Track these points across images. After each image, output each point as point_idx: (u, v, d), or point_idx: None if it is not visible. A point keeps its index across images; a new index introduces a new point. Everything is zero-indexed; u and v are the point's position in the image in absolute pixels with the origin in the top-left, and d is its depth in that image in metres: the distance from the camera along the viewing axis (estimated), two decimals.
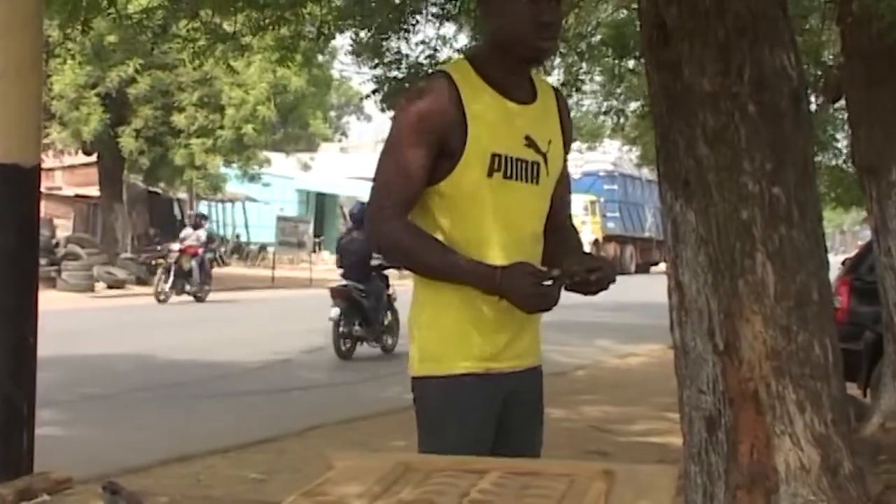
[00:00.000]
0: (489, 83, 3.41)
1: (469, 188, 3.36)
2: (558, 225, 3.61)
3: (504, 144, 3.38)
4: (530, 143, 3.43)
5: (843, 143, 16.05)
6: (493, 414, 3.39)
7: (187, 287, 27.67)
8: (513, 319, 3.36)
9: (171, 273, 27.35)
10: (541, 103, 3.51)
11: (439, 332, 3.37)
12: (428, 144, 3.33)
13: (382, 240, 3.41)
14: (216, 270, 31.56)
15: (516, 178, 3.40)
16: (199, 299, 27.67)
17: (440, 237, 3.39)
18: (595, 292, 3.35)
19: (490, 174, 3.36)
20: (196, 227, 29.12)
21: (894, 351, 8.89)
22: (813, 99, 11.97)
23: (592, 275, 3.31)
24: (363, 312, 17.43)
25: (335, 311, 16.88)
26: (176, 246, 28.03)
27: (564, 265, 3.32)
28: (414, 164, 3.35)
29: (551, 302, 3.31)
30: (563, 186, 3.65)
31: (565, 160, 3.64)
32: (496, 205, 3.38)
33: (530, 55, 3.44)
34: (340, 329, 16.96)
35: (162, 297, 26.79)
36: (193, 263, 27.81)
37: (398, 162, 3.37)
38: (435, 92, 3.38)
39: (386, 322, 18.14)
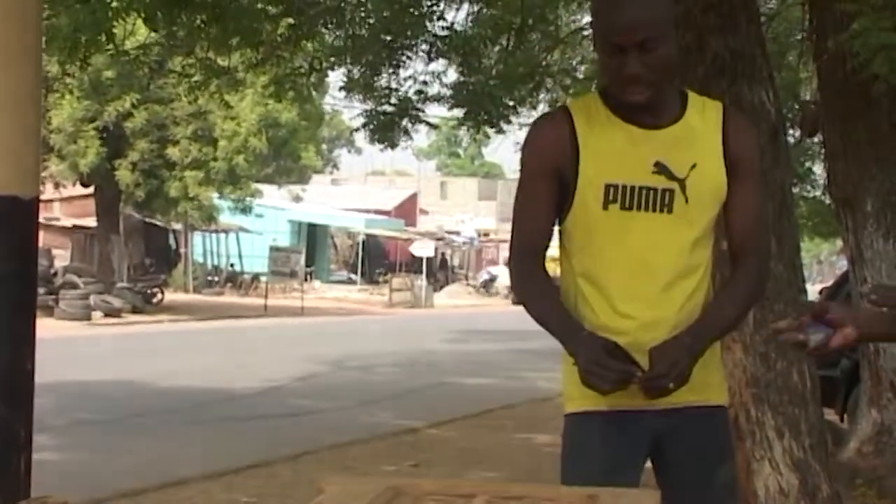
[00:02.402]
0: (615, 111, 3.21)
1: (585, 222, 3.21)
2: (734, 267, 3.34)
3: (622, 174, 3.18)
4: (661, 169, 3.17)
5: (820, 175, 16.11)
6: (625, 452, 3.20)
7: None
8: (628, 332, 3.16)
9: None
10: (684, 124, 3.22)
11: (569, 370, 3.20)
12: (549, 180, 3.23)
13: (514, 291, 3.36)
14: (209, 299, 31.50)
15: (638, 209, 3.18)
16: None
17: (572, 275, 3.27)
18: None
19: (605, 206, 3.17)
20: None
21: (870, 377, 8.90)
22: (791, 133, 12.01)
23: (648, 382, 3.06)
24: None
25: None
26: None
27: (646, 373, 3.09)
28: (538, 203, 3.26)
29: (605, 385, 3.04)
30: (738, 213, 3.29)
31: (740, 180, 3.26)
32: (616, 238, 3.19)
33: (625, 105, 3.19)
34: None
35: None
36: None
37: (524, 204, 3.30)
38: (549, 127, 3.28)
39: None
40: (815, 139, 13.18)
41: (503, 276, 45.19)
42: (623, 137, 3.19)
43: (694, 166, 3.17)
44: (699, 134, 3.22)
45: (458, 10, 11.44)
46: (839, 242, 14.44)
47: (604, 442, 3.15)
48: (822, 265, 70.98)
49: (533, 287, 3.26)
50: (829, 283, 18.00)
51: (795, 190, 13.79)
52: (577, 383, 3.10)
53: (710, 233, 3.29)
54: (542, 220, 3.26)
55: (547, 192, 3.23)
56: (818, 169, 16.23)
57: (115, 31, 8.60)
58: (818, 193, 17.19)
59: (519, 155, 3.38)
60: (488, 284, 52.11)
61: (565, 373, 3.25)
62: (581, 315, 3.21)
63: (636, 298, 3.19)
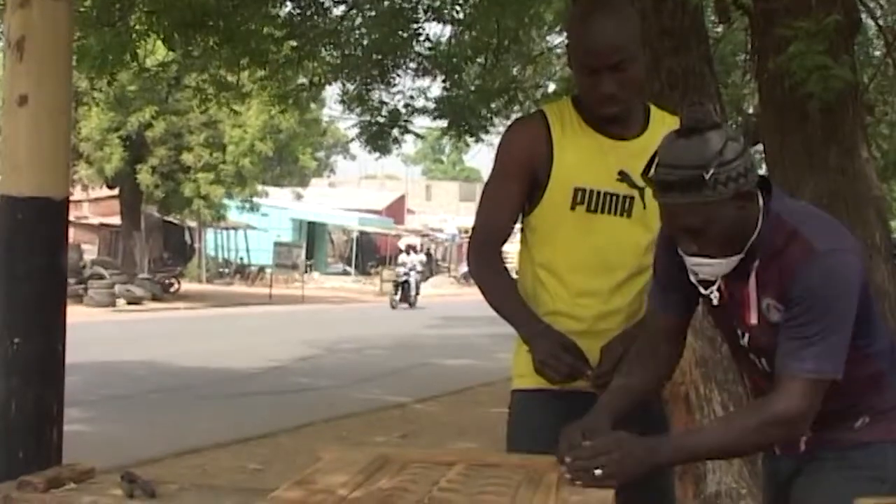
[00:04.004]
0: (586, 120, 3.18)
1: (553, 220, 3.17)
2: None
3: (590, 179, 3.14)
4: (624, 177, 3.15)
5: None
6: (561, 426, 2.95)
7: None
8: (586, 348, 3.08)
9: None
10: (647, 137, 3.14)
11: (521, 351, 3.18)
12: (519, 180, 3.18)
13: (472, 274, 3.27)
14: (220, 288, 31.69)
15: (602, 212, 3.15)
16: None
17: (531, 265, 3.23)
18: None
19: (573, 207, 3.14)
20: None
21: None
22: None
23: (598, 379, 3.00)
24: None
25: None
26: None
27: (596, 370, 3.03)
28: (505, 199, 3.20)
29: (557, 377, 2.99)
30: None
31: None
32: (579, 235, 3.15)
33: (596, 117, 3.16)
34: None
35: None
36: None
37: (492, 198, 3.23)
38: (527, 130, 3.24)
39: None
40: (757, 148, 13.19)
41: None
42: (593, 146, 3.16)
43: None
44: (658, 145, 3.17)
45: (441, 31, 11.45)
46: None
47: (549, 417, 3.02)
48: None
49: (492, 274, 3.19)
50: None
51: None
52: (528, 363, 3.07)
53: None
54: (506, 217, 3.21)
55: (517, 192, 3.19)
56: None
57: (137, 51, 8.59)
58: None
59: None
60: (468, 276, 51.98)
61: (517, 353, 3.24)
62: (538, 301, 3.17)
63: (593, 290, 3.17)
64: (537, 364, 3.00)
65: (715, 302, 2.74)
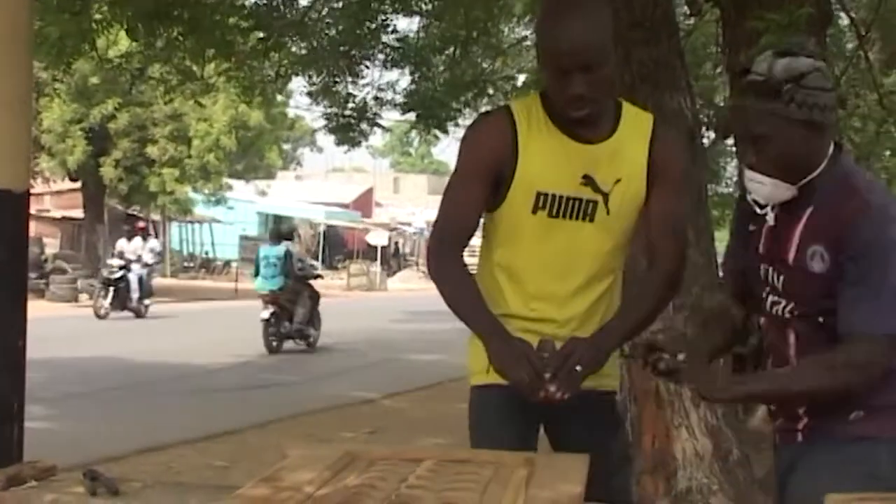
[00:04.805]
0: (553, 120, 3.07)
1: (513, 222, 3.09)
2: (652, 248, 3.17)
3: (553, 183, 3.05)
4: (588, 181, 3.05)
5: (732, 173, 16.20)
6: (524, 422, 3.10)
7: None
8: (545, 319, 3.09)
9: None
10: (616, 141, 3.09)
11: (475, 349, 3.12)
12: (482, 179, 3.07)
13: (430, 273, 3.14)
14: (188, 283, 31.26)
15: (564, 217, 3.07)
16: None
17: (489, 263, 3.19)
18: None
19: (534, 211, 3.06)
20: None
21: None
22: (706, 135, 12.07)
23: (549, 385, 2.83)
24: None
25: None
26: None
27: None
28: (469, 198, 3.09)
29: (514, 383, 2.86)
30: (654, 218, 3.13)
31: (659, 187, 3.11)
32: (539, 240, 3.08)
33: (564, 117, 3.05)
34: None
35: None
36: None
37: (455, 197, 3.12)
38: (492, 127, 3.12)
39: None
40: (728, 141, 13.25)
41: None
42: (558, 148, 3.06)
43: (618, 181, 3.07)
44: (627, 148, 3.09)
45: (410, 22, 11.46)
46: None
47: (507, 412, 3.04)
48: None
49: (452, 273, 3.07)
50: None
51: (711, 186, 13.88)
52: (482, 360, 3.01)
53: (627, 239, 3.20)
54: (468, 218, 3.11)
55: (480, 191, 3.09)
56: (730, 168, 16.32)
57: (98, 40, 8.55)
58: (731, 190, 17.29)
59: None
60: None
61: (472, 351, 3.20)
62: (494, 301, 3.12)
63: (550, 296, 3.12)
64: (495, 368, 2.92)
65: (771, 221, 2.83)
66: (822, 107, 2.69)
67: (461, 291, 3.05)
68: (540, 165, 3.05)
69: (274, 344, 17.76)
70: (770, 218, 2.82)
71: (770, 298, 2.88)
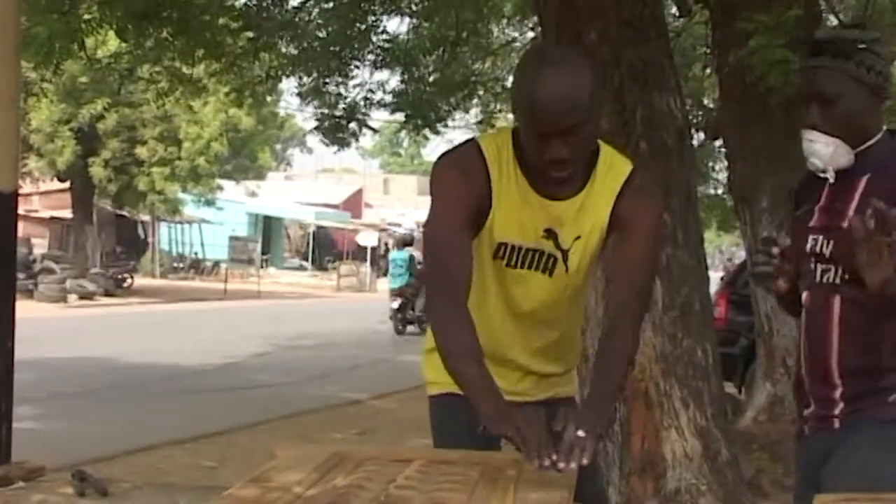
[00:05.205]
0: (522, 168, 2.87)
1: (478, 259, 2.88)
2: (610, 323, 2.96)
3: (516, 235, 2.90)
4: (549, 235, 2.90)
5: (721, 175, 16.23)
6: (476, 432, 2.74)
7: None
8: (503, 358, 3.00)
9: None
10: (584, 196, 2.90)
11: (429, 358, 3.05)
12: (469, 226, 2.84)
13: (432, 326, 2.90)
14: (175, 283, 31.15)
15: (521, 267, 2.93)
16: None
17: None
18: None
19: (494, 258, 2.93)
20: None
21: (765, 354, 8.99)
22: (695, 137, 12.10)
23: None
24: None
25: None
26: None
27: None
28: (461, 247, 2.81)
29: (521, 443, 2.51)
30: (619, 275, 2.94)
31: (626, 242, 2.90)
32: (499, 284, 2.96)
33: (541, 177, 2.84)
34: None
35: None
36: None
37: (447, 245, 2.82)
38: (470, 176, 2.85)
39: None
40: (717, 143, 13.27)
41: None
42: (524, 201, 2.88)
43: (578, 238, 2.91)
44: (593, 204, 2.90)
45: (400, 23, 11.46)
46: (739, 235, 14.57)
47: (469, 420, 2.74)
48: (722, 254, 71.53)
49: (453, 336, 2.74)
50: (731, 269, 18.11)
51: (700, 188, 13.91)
52: (437, 369, 2.87)
53: (587, 283, 3.10)
54: (467, 268, 2.82)
55: (469, 239, 2.86)
56: (720, 169, 16.36)
57: (86, 40, 8.53)
58: (720, 191, 17.32)
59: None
60: (422, 267, 51.91)
61: (427, 361, 3.14)
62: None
63: (509, 337, 3.03)
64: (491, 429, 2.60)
65: (831, 179, 2.89)
66: (885, 75, 2.86)
67: (463, 357, 2.72)
68: (506, 217, 2.89)
69: (400, 328, 22.12)
70: (830, 176, 2.88)
71: (819, 268, 2.90)
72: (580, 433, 2.44)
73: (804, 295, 2.97)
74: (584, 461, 2.40)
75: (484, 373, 2.67)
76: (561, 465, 2.38)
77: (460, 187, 2.85)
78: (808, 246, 2.91)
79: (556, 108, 2.66)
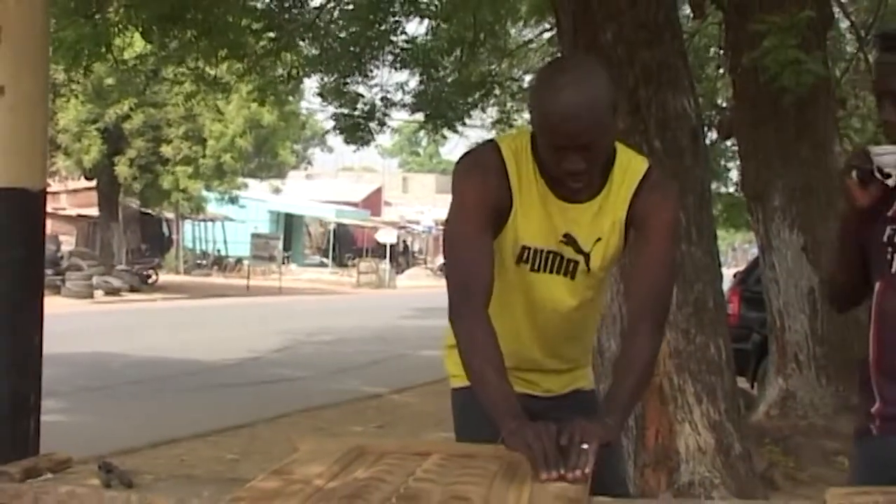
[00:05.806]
0: (541, 170, 2.85)
1: (501, 263, 2.87)
2: (630, 325, 2.93)
3: (537, 238, 2.88)
4: (569, 240, 2.88)
5: (734, 173, 16.19)
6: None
7: None
8: (527, 359, 3.00)
9: None
10: (601, 199, 2.88)
11: (450, 352, 3.05)
12: (490, 229, 2.82)
13: (455, 333, 2.82)
14: (198, 279, 31.28)
15: (544, 271, 2.91)
16: None
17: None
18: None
19: (517, 262, 2.90)
20: None
21: (777, 350, 8.97)
22: (709, 136, 12.07)
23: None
24: None
25: None
26: None
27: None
28: (483, 251, 2.79)
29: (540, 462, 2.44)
30: (639, 276, 2.90)
31: (644, 241, 2.87)
32: (520, 289, 2.94)
33: (560, 185, 2.82)
34: None
35: None
36: None
37: (469, 249, 2.81)
38: (489, 177, 2.83)
39: None
40: (730, 142, 13.24)
41: None
42: (543, 204, 2.87)
43: (598, 240, 2.89)
44: (610, 206, 2.88)
45: (419, 24, 11.46)
46: (751, 233, 14.54)
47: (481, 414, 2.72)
48: (735, 252, 71.35)
49: (474, 348, 2.73)
50: (742, 267, 18.08)
51: (713, 186, 13.87)
52: (459, 364, 2.82)
53: (606, 283, 3.11)
54: (488, 272, 2.80)
55: (490, 242, 2.84)
56: (733, 168, 16.32)
57: (114, 43, 8.56)
58: (733, 190, 17.28)
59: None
60: (444, 268, 51.91)
61: (448, 355, 3.13)
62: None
63: (532, 339, 3.02)
64: (511, 446, 2.57)
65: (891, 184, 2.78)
66: None
67: (484, 372, 2.71)
68: (526, 220, 2.88)
69: None
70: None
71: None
72: (584, 446, 2.44)
73: (876, 285, 2.80)
74: (587, 470, 2.39)
75: (502, 383, 2.67)
76: (568, 475, 2.38)
77: (481, 188, 2.83)
78: (886, 235, 2.77)
79: (573, 125, 2.64)
